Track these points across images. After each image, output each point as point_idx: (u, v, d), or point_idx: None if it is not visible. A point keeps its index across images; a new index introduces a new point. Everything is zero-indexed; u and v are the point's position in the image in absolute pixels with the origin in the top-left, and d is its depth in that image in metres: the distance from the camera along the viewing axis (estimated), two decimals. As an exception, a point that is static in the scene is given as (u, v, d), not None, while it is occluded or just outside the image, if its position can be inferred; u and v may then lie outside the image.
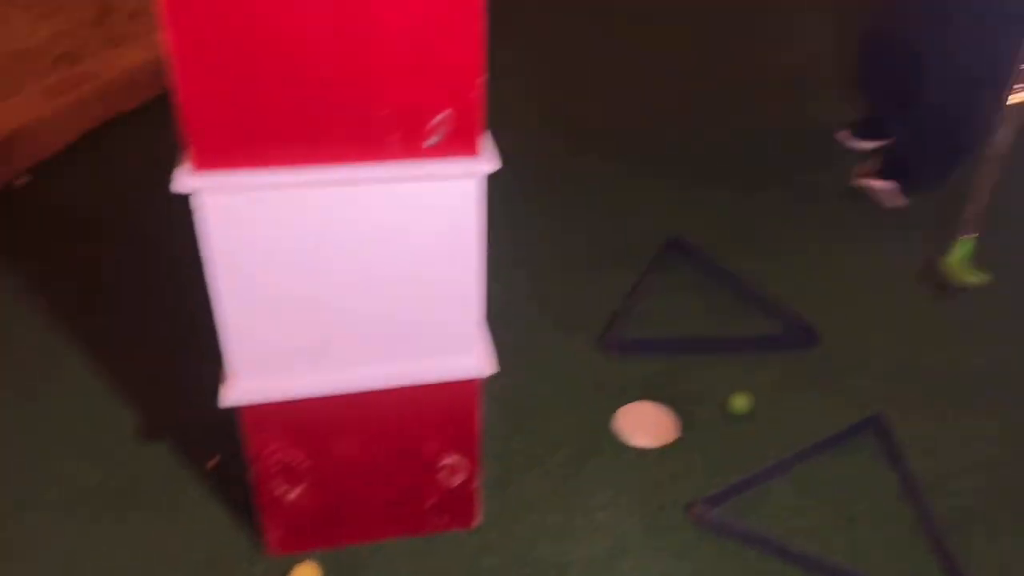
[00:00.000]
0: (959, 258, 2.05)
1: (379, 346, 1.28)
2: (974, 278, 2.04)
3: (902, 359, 1.94)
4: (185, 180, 1.06)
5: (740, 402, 1.76)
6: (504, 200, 2.43)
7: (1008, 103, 1.87)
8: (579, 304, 2.08)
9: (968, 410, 1.82)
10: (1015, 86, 1.86)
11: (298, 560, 1.46)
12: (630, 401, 1.79)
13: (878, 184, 2.39)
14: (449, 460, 1.44)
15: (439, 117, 1.11)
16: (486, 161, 1.16)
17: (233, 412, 1.30)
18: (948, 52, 2.09)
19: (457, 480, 1.47)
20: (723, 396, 1.81)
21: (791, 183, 2.60)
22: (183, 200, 1.10)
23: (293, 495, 1.40)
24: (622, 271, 2.17)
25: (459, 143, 1.14)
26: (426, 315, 1.26)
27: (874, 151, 2.59)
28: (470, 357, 1.33)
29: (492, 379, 1.86)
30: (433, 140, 1.13)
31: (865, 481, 1.65)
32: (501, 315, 2.03)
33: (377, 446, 1.39)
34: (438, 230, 1.19)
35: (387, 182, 1.12)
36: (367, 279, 1.21)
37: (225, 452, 1.61)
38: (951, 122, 2.20)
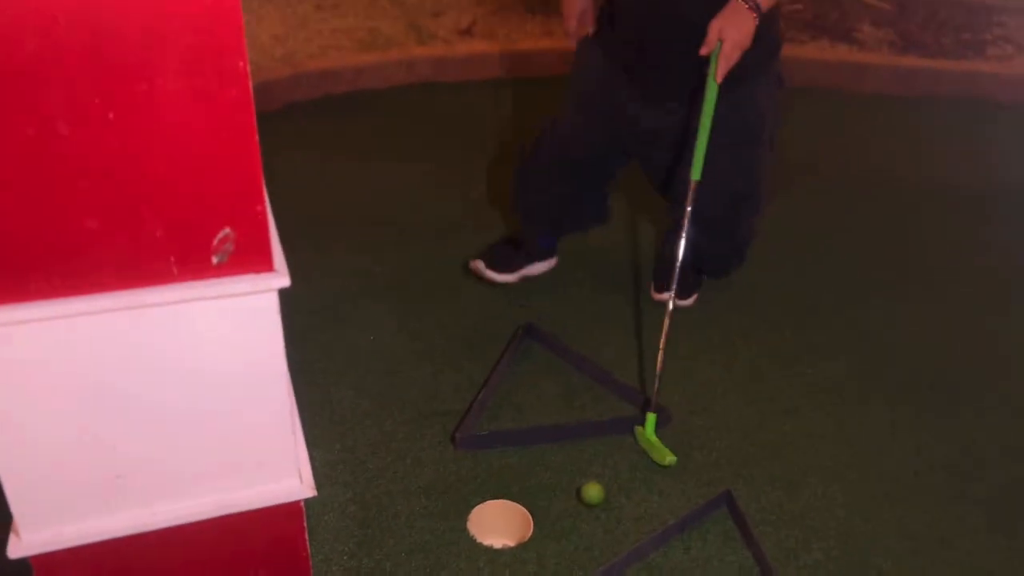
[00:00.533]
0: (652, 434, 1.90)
1: (181, 478, 1.19)
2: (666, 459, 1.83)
3: (747, 430, 1.96)
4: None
5: (592, 492, 1.73)
6: (355, 297, 2.41)
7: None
8: (433, 397, 2.03)
9: (813, 478, 1.84)
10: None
11: None
12: (486, 498, 1.74)
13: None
14: (278, 590, 1.35)
15: (220, 235, 1.06)
16: (280, 276, 1.11)
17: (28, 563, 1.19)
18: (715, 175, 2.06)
19: (291, 610, 1.38)
20: (577, 485, 1.78)
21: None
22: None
23: (102, 648, 1.28)
24: (477, 361, 2.14)
25: (249, 259, 1.09)
26: (231, 440, 1.19)
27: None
28: (287, 480, 1.25)
29: (339, 489, 1.75)
30: (218, 258, 1.08)
31: (719, 563, 1.63)
32: (350, 417, 1.98)
33: (195, 584, 1.29)
34: (234, 351, 1.13)
35: (167, 305, 1.06)
36: (159, 408, 1.13)
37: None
38: (722, 231, 2.20)
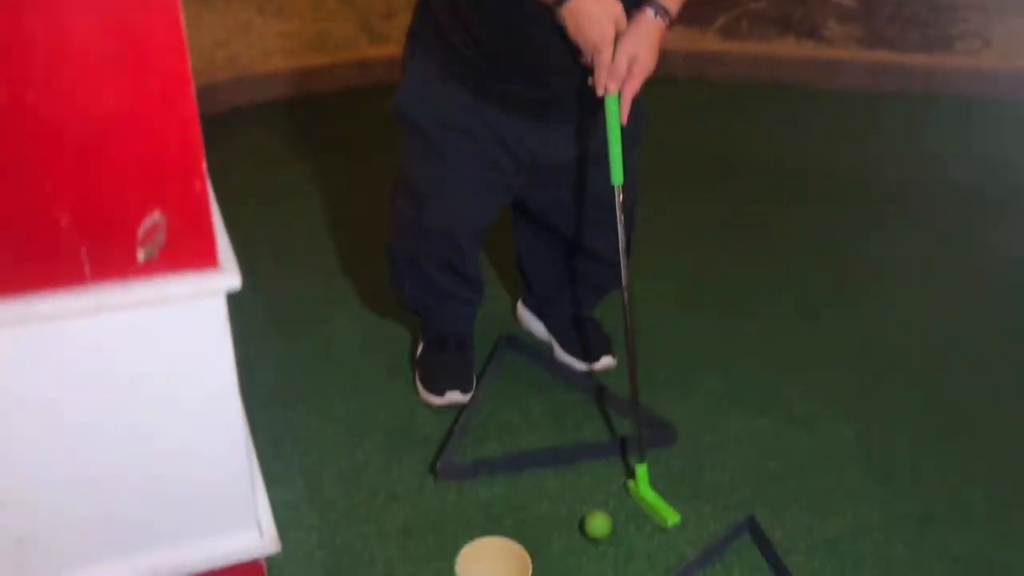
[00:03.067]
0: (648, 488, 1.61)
1: (111, 534, 0.94)
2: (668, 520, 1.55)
3: (762, 445, 1.76)
4: None
5: (598, 524, 1.50)
6: (315, 308, 2.16)
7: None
8: (408, 421, 1.79)
9: (841, 497, 1.64)
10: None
11: None
12: (475, 536, 1.50)
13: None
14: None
15: (147, 221, 0.82)
16: (228, 274, 0.87)
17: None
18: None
19: None
20: (579, 517, 1.55)
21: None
22: None
23: None
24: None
25: (187, 253, 0.85)
26: (169, 485, 0.94)
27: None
28: (243, 533, 1.01)
29: (304, 533, 1.52)
30: (145, 252, 0.83)
31: (750, 599, 1.42)
32: (314, 447, 1.73)
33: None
34: (171, 372, 0.89)
35: (75, 316, 0.81)
36: (72, 448, 0.88)
37: None
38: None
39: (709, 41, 4.06)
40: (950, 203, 2.85)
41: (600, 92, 1.44)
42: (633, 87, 1.44)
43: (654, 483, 1.62)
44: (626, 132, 1.51)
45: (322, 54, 3.67)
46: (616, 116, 1.46)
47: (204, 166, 0.81)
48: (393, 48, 3.86)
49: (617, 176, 1.52)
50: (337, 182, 2.86)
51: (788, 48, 4.02)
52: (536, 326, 2.07)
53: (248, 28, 4.02)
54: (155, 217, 0.80)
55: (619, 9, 1.40)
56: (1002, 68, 3.84)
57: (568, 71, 1.49)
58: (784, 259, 2.49)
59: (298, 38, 3.87)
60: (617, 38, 1.42)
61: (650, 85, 1.49)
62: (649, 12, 1.43)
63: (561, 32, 1.42)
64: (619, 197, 1.53)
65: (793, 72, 3.91)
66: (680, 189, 2.84)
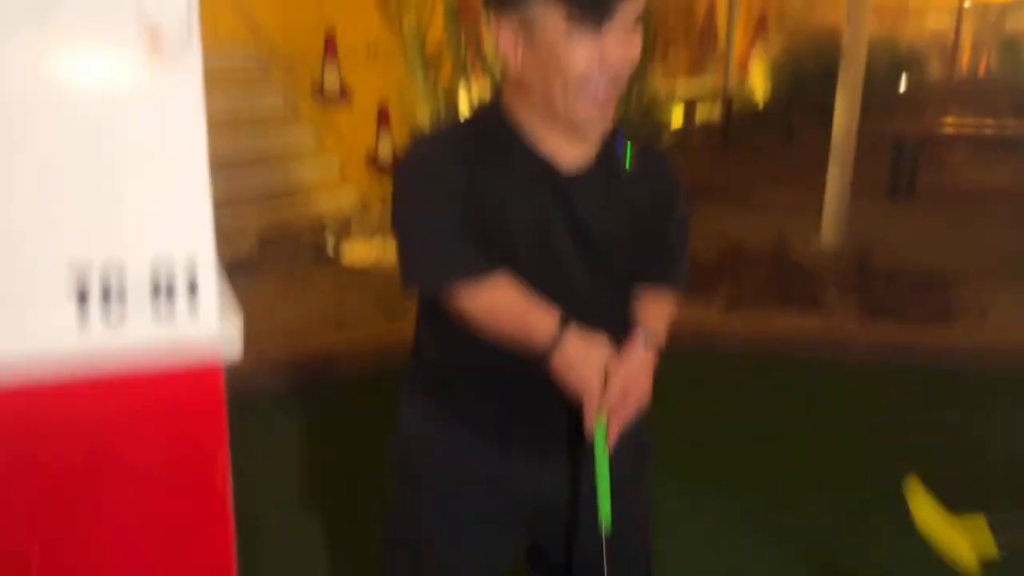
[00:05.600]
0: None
1: None
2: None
3: None
4: None
5: None
6: None
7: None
8: None
9: None
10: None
11: None
12: None
13: None
14: None
15: None
16: None
17: None
18: None
19: None
20: None
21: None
22: None
23: None
24: None
25: None
26: None
27: None
28: None
29: None
30: None
31: None
32: None
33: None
34: None
35: None
36: None
37: None
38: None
39: (713, 314, 4.19)
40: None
41: (588, 437, 1.34)
42: (623, 417, 1.34)
43: None
44: (631, 464, 1.42)
45: (341, 330, 3.78)
46: (604, 451, 1.34)
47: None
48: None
49: (605, 516, 1.34)
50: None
51: (791, 321, 4.14)
52: None
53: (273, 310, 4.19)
54: None
55: (607, 354, 1.32)
56: (1003, 343, 3.92)
57: (568, 409, 1.39)
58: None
59: (315, 318, 4.01)
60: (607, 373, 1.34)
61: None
62: (639, 342, 1.36)
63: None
64: (605, 544, 1.34)
65: (798, 347, 3.99)
66: (692, 482, 2.81)
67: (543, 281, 1.31)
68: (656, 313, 1.42)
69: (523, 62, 1.21)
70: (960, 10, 23.43)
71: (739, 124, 10.93)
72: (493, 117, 1.30)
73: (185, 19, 0.65)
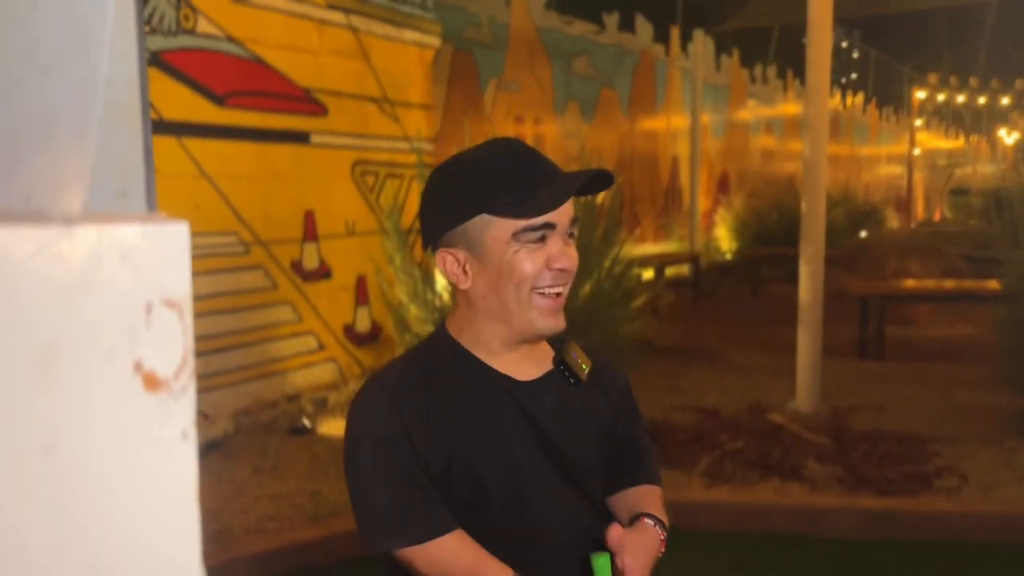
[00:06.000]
0: None
1: None
2: None
3: None
4: None
5: None
6: None
7: None
8: None
9: None
10: None
11: None
12: None
13: None
14: None
15: None
16: None
17: None
18: None
19: None
20: None
21: None
22: None
23: None
24: None
25: None
26: None
27: None
28: None
29: None
30: None
31: None
32: None
33: None
34: None
35: None
36: None
37: None
38: None
39: (695, 488, 4.15)
40: None
41: None
42: None
43: None
44: None
45: (317, 525, 3.69)
46: None
47: None
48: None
49: None
50: None
51: (773, 494, 4.11)
52: None
53: (243, 490, 4.10)
54: None
55: None
56: (990, 509, 3.90)
57: None
58: None
59: (291, 502, 3.92)
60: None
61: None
62: (648, 523, 1.35)
63: None
64: None
65: (783, 520, 3.95)
66: None
67: (510, 503, 1.31)
68: (654, 503, 1.42)
69: (473, 278, 1.28)
70: (910, 159, 24.72)
71: (707, 282, 11.22)
72: (443, 345, 1.35)
73: (180, 365, 0.68)
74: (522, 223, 1.23)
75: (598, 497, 1.43)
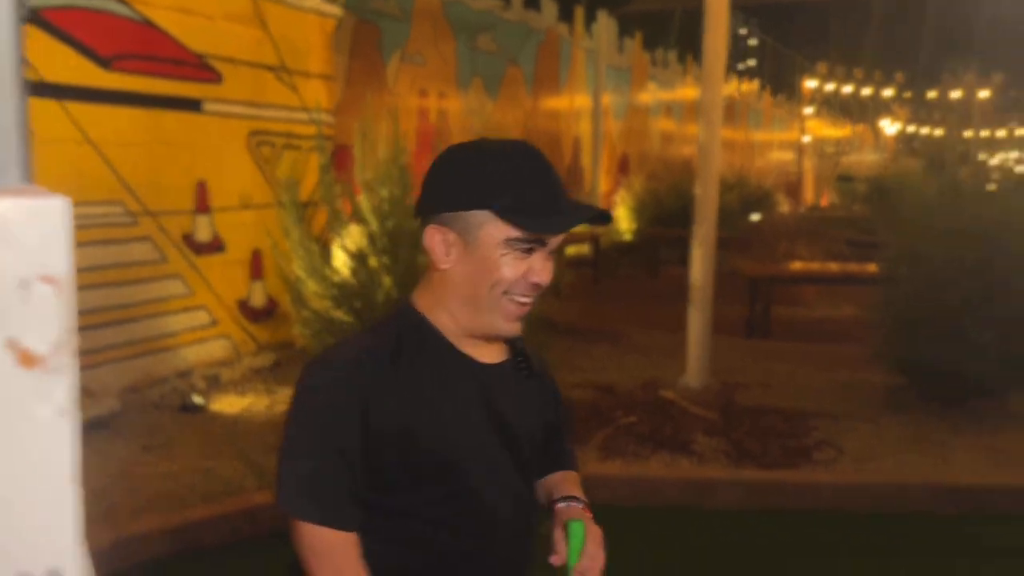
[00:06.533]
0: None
1: None
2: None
3: None
4: None
5: None
6: None
7: None
8: None
9: None
10: None
11: None
12: None
13: None
14: None
15: None
16: None
17: None
18: None
19: None
20: None
21: None
22: None
23: None
24: None
25: None
26: None
27: None
28: None
29: None
30: None
31: None
32: None
33: None
34: None
35: None
36: None
37: None
38: None
39: (590, 461, 4.25)
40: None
41: None
42: None
43: None
44: None
45: (208, 504, 3.61)
46: None
47: None
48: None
49: None
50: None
51: (663, 467, 4.26)
52: None
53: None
54: None
55: None
56: (862, 480, 4.15)
57: None
58: None
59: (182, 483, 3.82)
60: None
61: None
62: (579, 506, 1.46)
63: None
64: None
65: (672, 492, 4.09)
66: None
67: (471, 480, 1.35)
68: (578, 487, 1.52)
69: (455, 262, 1.30)
70: (801, 146, 25.73)
71: (608, 262, 11.43)
72: (410, 321, 1.37)
73: (58, 342, 0.66)
74: (521, 234, 1.26)
75: (532, 481, 1.50)
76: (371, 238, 4.60)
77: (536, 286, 1.31)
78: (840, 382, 5.63)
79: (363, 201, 4.57)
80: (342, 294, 4.53)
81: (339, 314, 4.49)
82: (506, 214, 1.26)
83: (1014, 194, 5.42)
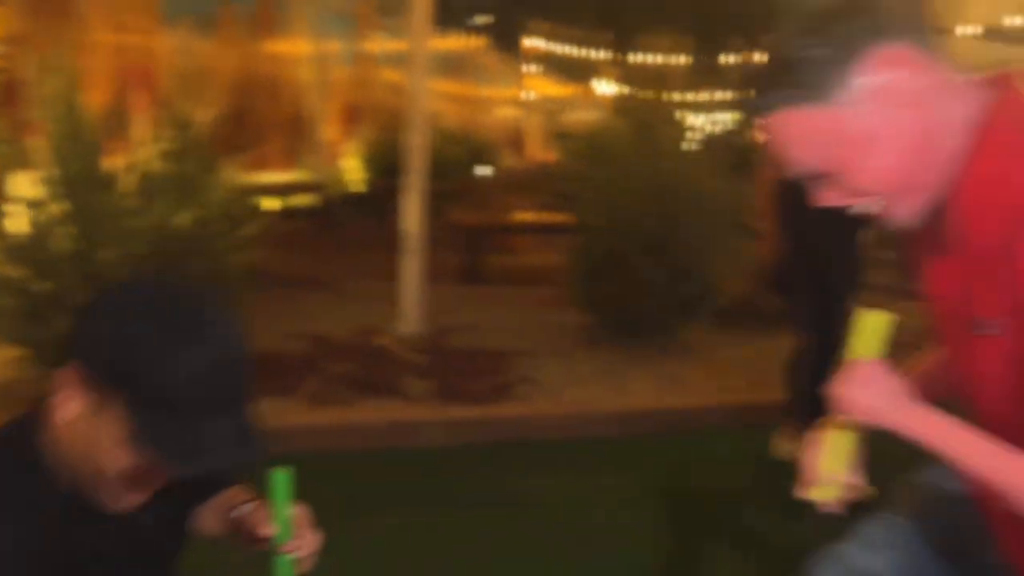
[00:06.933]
0: None
1: None
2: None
3: None
4: None
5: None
6: None
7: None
8: None
9: None
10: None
11: None
12: None
13: None
14: None
15: None
16: None
17: None
18: None
19: None
20: None
21: None
22: None
23: None
24: None
25: None
26: None
27: None
28: None
29: None
30: None
31: None
32: None
33: None
34: None
35: None
36: None
37: None
38: None
39: (295, 412, 4.24)
40: None
41: None
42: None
43: None
44: None
45: None
46: None
47: None
48: None
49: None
50: None
51: (373, 412, 4.35)
52: None
53: None
54: None
55: None
56: (552, 410, 4.51)
57: None
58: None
59: None
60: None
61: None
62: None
63: None
64: None
65: (379, 436, 4.21)
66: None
67: None
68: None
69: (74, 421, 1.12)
70: (523, 103, 26.81)
71: (336, 212, 11.29)
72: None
73: None
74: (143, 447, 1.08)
75: None
76: (50, 184, 4.21)
77: (138, 490, 1.17)
78: (541, 322, 6.04)
79: (37, 142, 4.16)
80: (14, 247, 4.12)
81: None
82: (142, 414, 1.08)
83: (694, 154, 6.07)
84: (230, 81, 10.24)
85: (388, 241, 5.84)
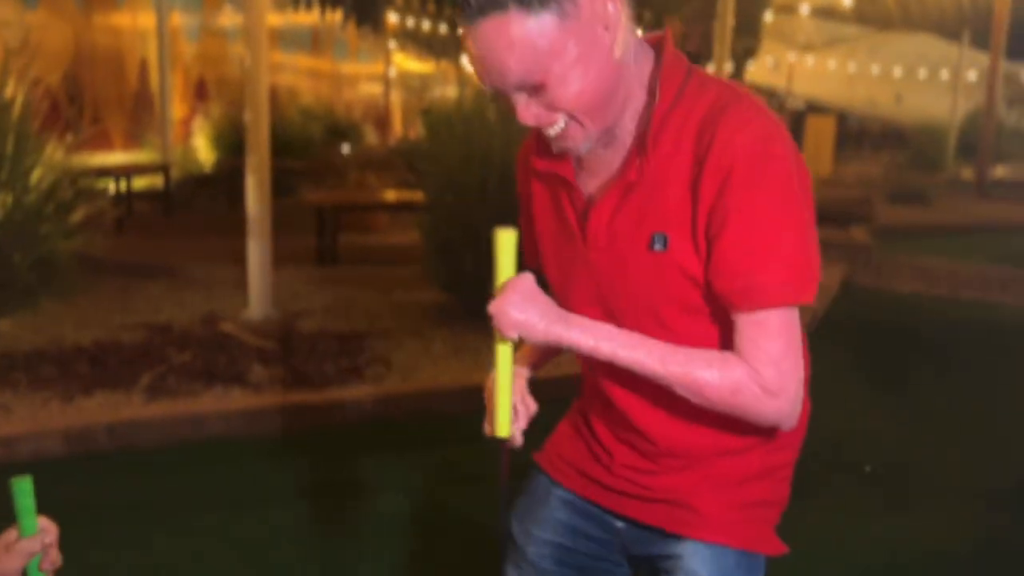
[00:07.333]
0: None
1: None
2: None
3: None
4: None
5: None
6: None
7: None
8: None
9: None
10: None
11: None
12: None
13: None
14: None
15: None
16: None
17: None
18: None
19: None
20: None
21: None
22: None
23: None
24: None
25: None
26: None
27: None
28: None
29: None
30: None
31: None
32: None
33: None
34: None
35: None
36: None
37: None
38: None
39: (130, 405, 4.03)
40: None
41: None
42: None
43: None
44: None
45: None
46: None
47: None
48: None
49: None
50: None
51: (215, 401, 4.19)
52: None
53: None
54: None
55: None
56: (403, 389, 4.47)
57: None
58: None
59: None
60: None
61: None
62: None
63: None
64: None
65: (221, 426, 4.05)
66: None
67: None
68: None
69: None
70: (387, 79, 26.36)
71: (182, 194, 10.77)
72: None
73: None
74: None
75: None
76: None
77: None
78: (395, 302, 5.98)
79: None
80: None
81: None
82: None
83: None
84: (61, 56, 9.56)
85: (238, 224, 5.61)
